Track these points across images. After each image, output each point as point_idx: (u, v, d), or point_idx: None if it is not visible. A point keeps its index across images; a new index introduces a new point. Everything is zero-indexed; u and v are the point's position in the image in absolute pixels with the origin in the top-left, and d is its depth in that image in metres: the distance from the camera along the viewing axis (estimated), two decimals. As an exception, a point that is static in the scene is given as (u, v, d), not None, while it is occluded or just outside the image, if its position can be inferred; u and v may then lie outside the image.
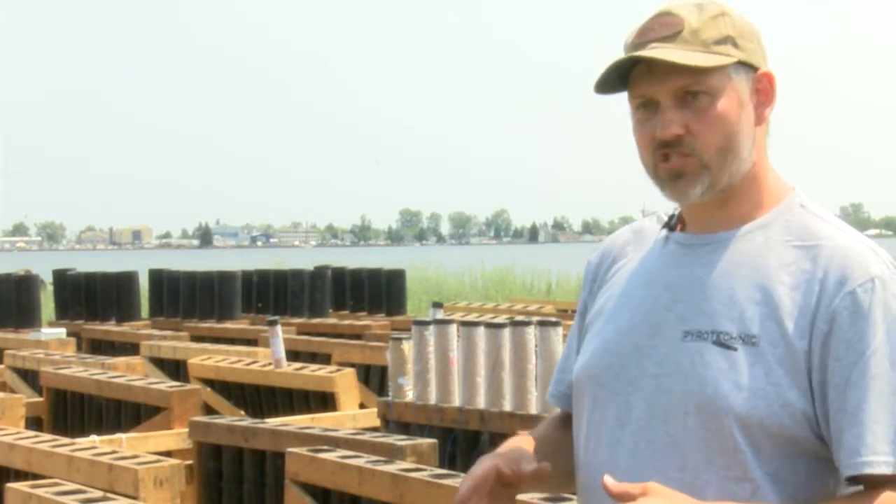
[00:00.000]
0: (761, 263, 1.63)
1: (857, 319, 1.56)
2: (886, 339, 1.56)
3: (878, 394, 1.54)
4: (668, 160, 1.64)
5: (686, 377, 1.61)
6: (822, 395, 1.57)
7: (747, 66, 1.66)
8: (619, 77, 1.67)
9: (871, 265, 1.59)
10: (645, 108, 1.66)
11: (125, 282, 12.86)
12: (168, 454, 5.14)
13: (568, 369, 1.83)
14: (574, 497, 3.31)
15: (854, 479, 1.56)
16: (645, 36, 1.65)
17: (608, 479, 1.53)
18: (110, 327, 11.71)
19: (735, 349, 1.59)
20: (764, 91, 1.67)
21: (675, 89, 1.63)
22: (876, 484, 1.54)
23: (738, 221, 1.67)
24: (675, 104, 1.63)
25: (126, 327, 11.65)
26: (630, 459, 1.63)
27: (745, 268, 1.63)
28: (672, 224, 1.74)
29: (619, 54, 1.69)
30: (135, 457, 4.31)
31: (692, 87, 1.63)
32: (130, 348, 9.77)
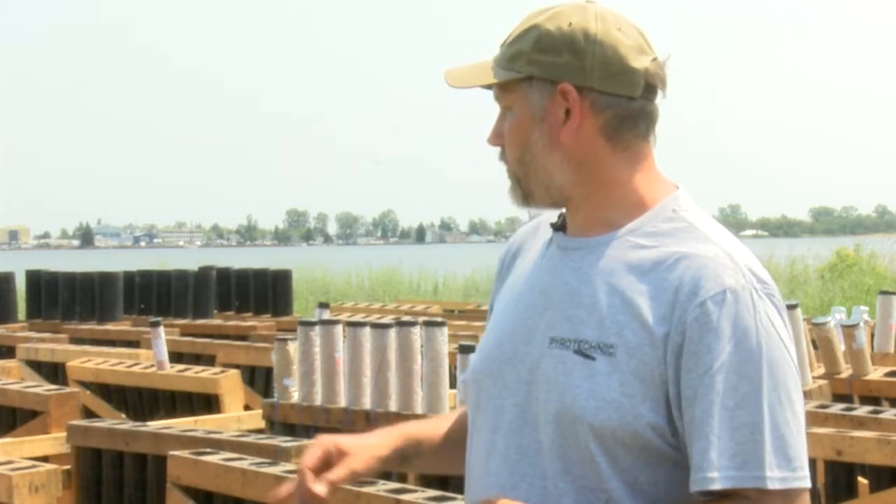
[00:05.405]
0: (623, 271, 1.60)
1: (706, 332, 1.53)
2: (735, 352, 1.52)
3: (722, 407, 1.51)
4: None
5: (550, 385, 1.60)
6: (678, 408, 1.55)
7: (548, 82, 1.63)
8: None
9: (726, 276, 1.55)
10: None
11: (1, 283, 12.51)
12: (45, 459, 5.00)
13: None
14: (460, 497, 3.32)
15: (703, 493, 1.53)
16: (507, 37, 1.69)
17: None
18: (-16, 330, 11.37)
19: (594, 358, 1.57)
20: (566, 104, 1.62)
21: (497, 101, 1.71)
22: (721, 497, 1.52)
23: (606, 226, 1.64)
24: (503, 114, 1.69)
25: (2, 329, 11.32)
26: (501, 466, 1.63)
27: (608, 275, 1.60)
28: (558, 224, 1.71)
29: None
30: (9, 462, 4.19)
31: (500, 100, 1.69)
32: (6, 351, 9.48)
